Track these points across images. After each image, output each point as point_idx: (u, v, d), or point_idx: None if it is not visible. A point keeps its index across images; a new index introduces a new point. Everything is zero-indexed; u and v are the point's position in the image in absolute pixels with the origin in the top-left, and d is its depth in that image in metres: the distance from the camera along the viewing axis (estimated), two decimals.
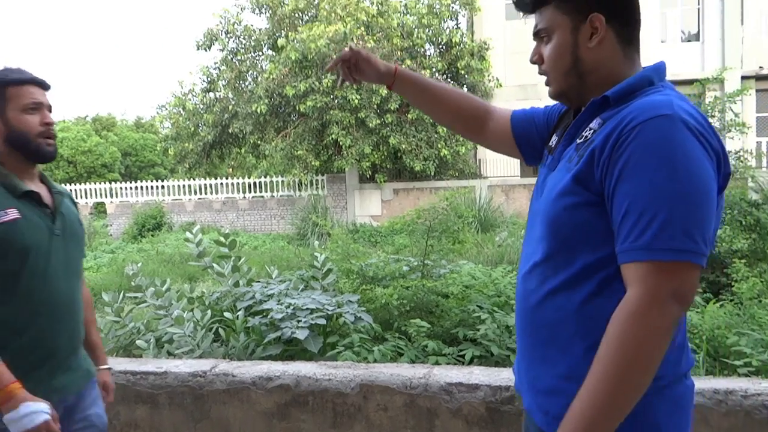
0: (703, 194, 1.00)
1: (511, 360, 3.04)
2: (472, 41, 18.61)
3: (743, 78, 16.74)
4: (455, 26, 19.01)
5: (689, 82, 9.84)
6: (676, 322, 1.01)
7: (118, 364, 2.63)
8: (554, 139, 1.32)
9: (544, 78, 1.26)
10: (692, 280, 1.01)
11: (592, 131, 1.14)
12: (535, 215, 1.25)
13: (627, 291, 1.03)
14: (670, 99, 1.06)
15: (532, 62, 1.26)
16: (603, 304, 1.08)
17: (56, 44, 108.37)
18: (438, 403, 2.15)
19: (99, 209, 21.68)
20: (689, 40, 18.17)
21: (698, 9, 18.05)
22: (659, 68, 1.19)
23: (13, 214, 1.59)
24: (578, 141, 1.17)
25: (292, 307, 3.28)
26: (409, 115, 16.77)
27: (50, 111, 1.73)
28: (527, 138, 1.46)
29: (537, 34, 1.23)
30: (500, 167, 19.28)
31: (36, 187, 1.70)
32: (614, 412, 1.01)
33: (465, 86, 18.66)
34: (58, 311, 1.68)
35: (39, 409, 1.45)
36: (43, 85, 1.72)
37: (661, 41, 17.61)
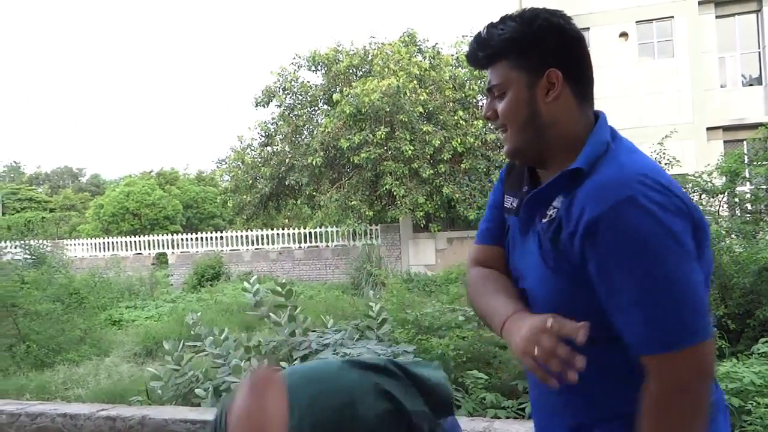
0: (688, 272, 1.01)
1: None
2: None
3: None
4: None
5: (753, 127, 9.55)
6: (707, 400, 1.02)
7: (179, 412, 2.67)
8: (511, 200, 1.29)
9: (494, 128, 1.26)
10: (708, 355, 1.01)
11: (555, 210, 1.13)
12: (523, 280, 1.23)
13: (648, 383, 1.04)
14: (625, 175, 1.04)
15: (485, 118, 1.25)
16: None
17: (125, 104, 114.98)
18: None
19: (161, 260, 22.40)
20: (751, 84, 17.69)
21: (759, 52, 17.64)
22: (613, 130, 1.18)
23: None
24: (544, 221, 1.15)
25: (347, 358, 3.28)
26: (462, 165, 16.83)
27: None
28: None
29: (489, 90, 1.22)
30: None
31: None
32: None
33: None
34: None
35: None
36: None
37: (720, 86, 17.23)
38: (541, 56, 1.15)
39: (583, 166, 1.10)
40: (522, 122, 1.17)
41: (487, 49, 1.19)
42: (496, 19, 1.20)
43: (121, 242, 23.36)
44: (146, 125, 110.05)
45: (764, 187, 6.81)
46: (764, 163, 6.99)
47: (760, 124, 7.40)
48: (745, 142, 13.18)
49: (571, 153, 1.14)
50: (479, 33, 1.21)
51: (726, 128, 16.40)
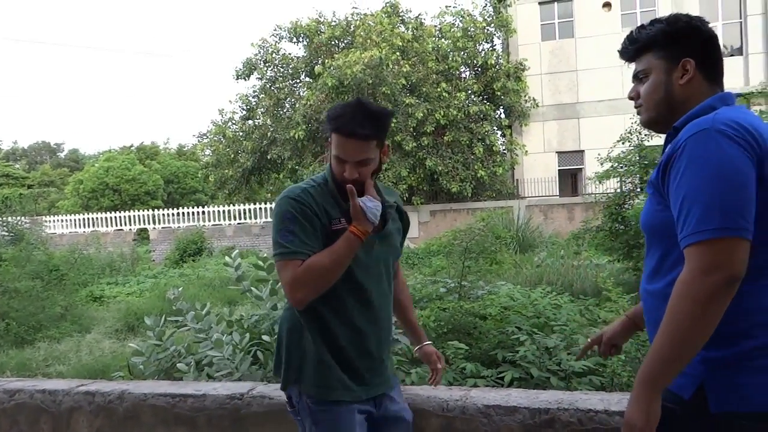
0: (736, 183, 1.25)
1: (551, 382, 2.97)
2: (508, 63, 18.59)
3: None
4: (490, 48, 19.04)
5: None
6: (725, 289, 1.23)
7: (159, 387, 2.66)
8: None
9: (634, 107, 1.59)
10: (732, 251, 1.24)
11: (666, 154, 1.43)
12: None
13: None
14: (711, 117, 1.34)
15: (630, 98, 1.58)
16: None
17: (103, 77, 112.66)
18: (476, 426, 2.10)
19: (142, 235, 22.21)
20: (732, 55, 17.77)
21: (740, 23, 17.68)
22: (723, 97, 1.45)
23: (343, 223, 1.85)
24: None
25: None
26: (446, 138, 16.79)
27: (363, 165, 1.87)
28: None
29: (636, 76, 1.56)
30: (538, 188, 19.06)
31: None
32: (671, 365, 1.28)
33: (502, 107, 18.61)
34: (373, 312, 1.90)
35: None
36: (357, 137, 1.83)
37: None
38: (680, 48, 1.46)
39: (678, 124, 1.44)
40: (658, 100, 1.50)
41: (637, 43, 1.53)
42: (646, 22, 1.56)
43: (102, 218, 23.12)
44: (125, 99, 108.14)
45: None
46: None
47: (740, 95, 7.44)
48: None
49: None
50: (631, 32, 1.55)
51: None
